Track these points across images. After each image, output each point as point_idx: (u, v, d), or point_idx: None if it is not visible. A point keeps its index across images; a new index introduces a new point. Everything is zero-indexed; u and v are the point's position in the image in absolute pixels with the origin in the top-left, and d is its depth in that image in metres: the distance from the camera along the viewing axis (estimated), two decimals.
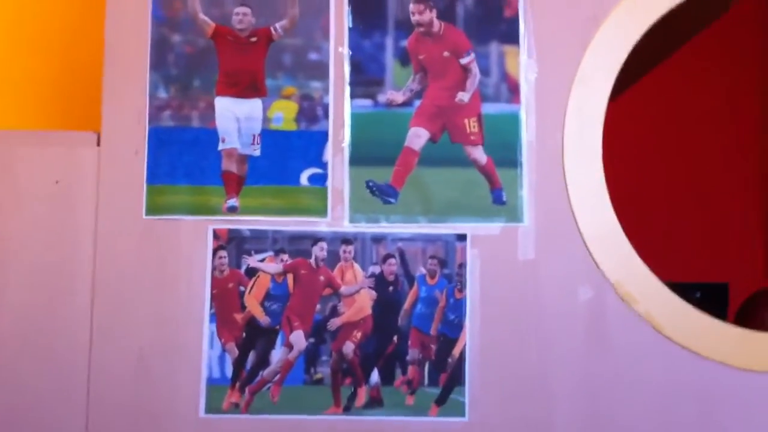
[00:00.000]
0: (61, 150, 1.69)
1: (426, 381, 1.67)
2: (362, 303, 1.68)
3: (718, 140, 3.74)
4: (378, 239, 1.69)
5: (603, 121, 1.69)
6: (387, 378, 1.67)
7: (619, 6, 1.70)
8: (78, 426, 1.65)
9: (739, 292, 2.76)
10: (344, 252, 1.68)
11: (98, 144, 1.69)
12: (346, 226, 1.69)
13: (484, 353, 1.66)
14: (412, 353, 1.67)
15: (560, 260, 1.67)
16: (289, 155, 1.70)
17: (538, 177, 1.69)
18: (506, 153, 1.69)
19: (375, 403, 1.66)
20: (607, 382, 1.66)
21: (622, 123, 2.29)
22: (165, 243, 1.67)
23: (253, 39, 1.72)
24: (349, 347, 1.67)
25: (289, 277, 1.68)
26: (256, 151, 1.70)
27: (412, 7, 1.72)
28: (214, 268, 1.67)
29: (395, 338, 1.67)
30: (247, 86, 1.71)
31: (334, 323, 1.68)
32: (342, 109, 1.70)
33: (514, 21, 1.71)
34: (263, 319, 1.68)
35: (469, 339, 1.66)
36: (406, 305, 1.68)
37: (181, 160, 1.69)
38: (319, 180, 1.69)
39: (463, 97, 1.71)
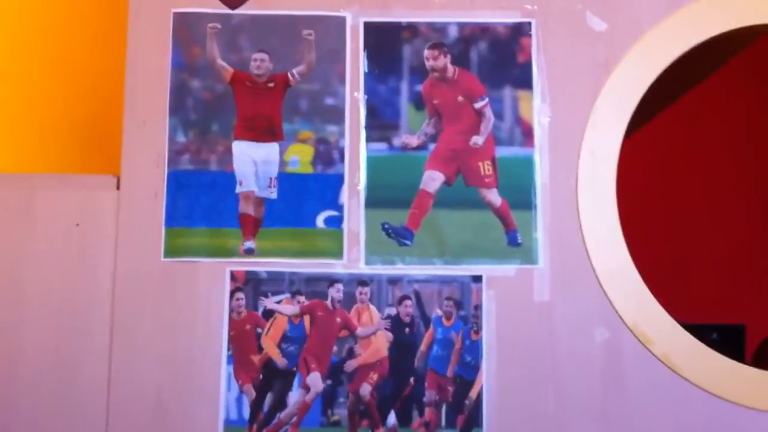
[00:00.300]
0: (81, 193, 1.72)
1: (443, 423, 1.67)
2: (378, 345, 1.68)
3: (734, 180, 3.73)
4: (394, 281, 1.70)
5: (617, 163, 1.70)
6: (404, 420, 1.67)
7: (630, 52, 1.72)
8: None
9: (755, 333, 2.74)
10: (360, 294, 1.69)
11: (118, 187, 1.72)
12: (362, 268, 1.70)
13: (501, 395, 1.66)
14: (429, 395, 1.67)
15: (576, 302, 1.68)
16: (306, 198, 1.72)
17: (553, 219, 1.70)
18: (520, 195, 1.71)
19: None
20: (623, 424, 1.65)
21: (636, 161, 2.30)
22: (183, 285, 1.69)
23: (271, 84, 1.75)
24: (366, 389, 1.67)
25: (306, 319, 1.69)
26: (273, 194, 1.72)
27: (426, 52, 1.75)
28: (231, 310, 1.69)
29: (412, 380, 1.68)
30: (264, 130, 1.74)
31: (351, 365, 1.68)
32: (357, 153, 1.73)
33: (527, 66, 1.74)
34: (280, 361, 1.68)
35: (486, 381, 1.66)
36: (423, 347, 1.68)
37: (199, 203, 1.71)
38: (335, 222, 1.71)
39: (478, 140, 1.73)
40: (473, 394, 1.66)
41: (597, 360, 1.66)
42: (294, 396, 1.67)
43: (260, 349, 1.68)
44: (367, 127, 1.73)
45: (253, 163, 1.73)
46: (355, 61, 1.75)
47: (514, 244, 1.70)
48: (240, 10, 1.76)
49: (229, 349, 1.68)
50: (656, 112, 2.45)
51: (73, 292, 1.69)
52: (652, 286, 1.68)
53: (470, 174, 1.72)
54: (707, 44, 1.75)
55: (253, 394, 1.67)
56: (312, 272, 1.70)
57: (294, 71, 1.75)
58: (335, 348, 1.69)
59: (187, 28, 1.75)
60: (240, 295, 1.69)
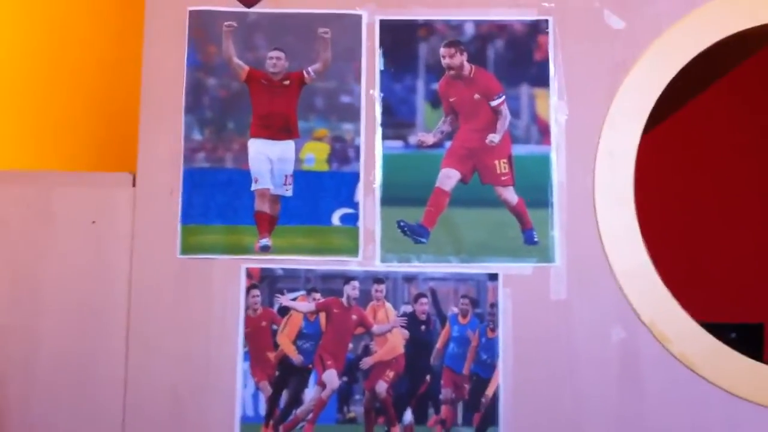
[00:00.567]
0: (97, 190, 1.73)
1: (460, 421, 1.66)
2: (394, 342, 1.68)
3: (752, 178, 3.70)
4: (410, 279, 1.69)
5: (634, 161, 1.69)
6: (420, 417, 1.66)
7: (648, 50, 1.72)
8: None
9: None
10: (376, 291, 1.69)
11: (134, 185, 1.73)
12: (378, 266, 1.70)
13: (517, 393, 1.65)
14: (445, 393, 1.67)
15: (593, 300, 1.67)
16: (321, 195, 1.72)
17: (569, 217, 1.69)
18: (537, 194, 1.70)
19: None
20: (640, 422, 1.64)
21: (654, 158, 2.29)
22: (199, 282, 1.69)
23: (286, 82, 1.75)
24: (381, 386, 1.67)
25: (322, 316, 1.69)
26: (289, 192, 1.72)
27: (442, 50, 1.74)
28: (247, 307, 1.69)
29: (428, 377, 1.67)
30: (279, 128, 1.74)
31: (367, 362, 1.68)
32: (373, 151, 1.73)
33: (544, 64, 1.73)
34: (296, 358, 1.68)
35: (503, 379, 1.66)
36: (439, 344, 1.68)
37: (214, 201, 1.72)
38: (351, 220, 1.71)
39: (494, 138, 1.73)
40: (489, 392, 1.66)
41: (614, 359, 1.66)
42: (310, 393, 1.67)
43: (276, 346, 1.68)
44: (382, 125, 1.73)
45: (269, 160, 1.73)
46: (371, 59, 1.75)
47: (531, 242, 1.69)
48: (256, 9, 1.76)
49: (245, 346, 1.68)
50: (674, 110, 2.44)
51: (90, 289, 1.70)
52: (670, 284, 1.67)
53: (486, 172, 1.72)
54: (725, 42, 1.74)
55: (270, 390, 1.67)
56: (327, 269, 1.70)
57: (310, 69, 1.75)
58: (351, 345, 1.68)
59: (203, 26, 1.75)
60: (255, 292, 1.69)
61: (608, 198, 1.69)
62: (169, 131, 1.74)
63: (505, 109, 1.73)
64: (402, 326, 1.68)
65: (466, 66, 1.74)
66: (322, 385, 1.67)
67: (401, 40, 1.75)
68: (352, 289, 1.69)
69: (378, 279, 1.69)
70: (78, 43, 2.25)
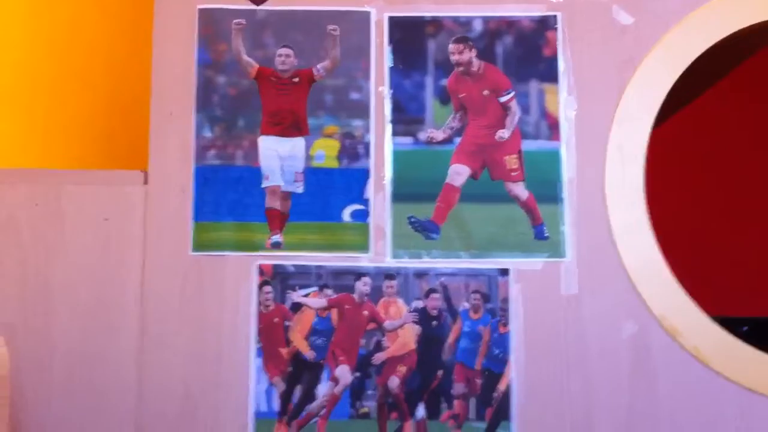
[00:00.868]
0: (109, 188, 1.73)
1: (472, 415, 1.67)
2: (406, 338, 1.69)
3: (764, 171, 3.68)
4: (421, 274, 1.70)
5: (644, 156, 1.70)
6: (433, 412, 1.67)
7: (657, 46, 1.72)
8: None
9: None
10: (387, 287, 1.70)
11: (145, 182, 1.73)
12: (389, 262, 1.70)
13: (529, 388, 1.66)
14: (458, 388, 1.67)
15: (604, 295, 1.67)
16: (332, 192, 1.73)
17: (580, 212, 1.70)
18: (547, 189, 1.71)
19: None
20: (652, 417, 1.65)
21: (665, 152, 2.29)
22: (211, 279, 1.70)
23: (296, 79, 1.75)
24: (394, 381, 1.68)
25: (334, 312, 1.70)
26: (299, 189, 1.73)
27: (451, 47, 1.75)
28: (259, 303, 1.69)
29: (440, 373, 1.68)
30: (289, 125, 1.75)
31: (379, 357, 1.68)
32: (383, 147, 1.73)
33: (553, 60, 1.73)
34: (308, 354, 1.69)
35: (515, 374, 1.66)
36: (450, 340, 1.69)
37: (225, 198, 1.72)
38: (361, 216, 1.71)
39: (503, 134, 1.73)
40: (502, 386, 1.66)
41: (625, 353, 1.66)
42: (323, 388, 1.68)
43: (288, 342, 1.69)
44: (392, 122, 1.74)
45: (279, 157, 1.74)
46: (380, 56, 1.75)
47: (541, 237, 1.69)
48: (265, 6, 1.77)
49: (257, 342, 1.69)
50: (683, 104, 2.44)
51: (103, 287, 1.70)
52: (681, 278, 1.67)
53: (496, 168, 1.72)
54: (734, 37, 1.74)
55: (283, 386, 1.68)
56: (339, 266, 1.70)
57: (319, 66, 1.75)
58: (363, 341, 1.69)
59: (212, 24, 1.76)
60: (268, 288, 1.70)
61: (618, 193, 1.69)
62: (180, 129, 1.74)
63: (514, 105, 1.73)
64: (414, 322, 1.69)
65: (475, 62, 1.75)
66: (335, 381, 1.68)
67: (410, 37, 1.75)
68: (363, 285, 1.70)
69: (389, 275, 1.70)
70: (88, 42, 2.26)
